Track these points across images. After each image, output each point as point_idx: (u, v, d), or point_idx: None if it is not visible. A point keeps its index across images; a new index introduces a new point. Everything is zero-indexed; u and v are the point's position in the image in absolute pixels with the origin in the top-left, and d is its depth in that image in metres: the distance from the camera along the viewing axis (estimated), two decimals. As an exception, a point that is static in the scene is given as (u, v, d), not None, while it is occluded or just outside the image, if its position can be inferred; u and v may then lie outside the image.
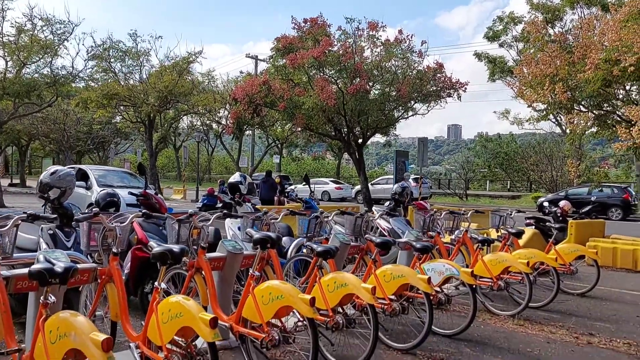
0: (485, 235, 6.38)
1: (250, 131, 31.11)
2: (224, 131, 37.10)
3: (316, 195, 15.57)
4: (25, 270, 3.25)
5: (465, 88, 17.78)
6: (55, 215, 3.99)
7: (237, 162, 32.73)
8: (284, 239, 6.07)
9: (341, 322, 3.84)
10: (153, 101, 20.24)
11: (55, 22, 15.91)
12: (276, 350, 3.81)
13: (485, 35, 31.44)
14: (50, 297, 2.72)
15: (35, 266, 2.67)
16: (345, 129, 18.49)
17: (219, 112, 34.90)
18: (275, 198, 15.98)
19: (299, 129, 20.74)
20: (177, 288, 4.22)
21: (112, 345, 2.43)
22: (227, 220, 5.93)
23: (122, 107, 23.52)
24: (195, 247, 4.20)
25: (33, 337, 2.80)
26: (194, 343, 3.15)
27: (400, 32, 17.81)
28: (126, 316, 3.43)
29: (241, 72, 33.83)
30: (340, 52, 17.12)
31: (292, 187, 23.62)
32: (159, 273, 3.25)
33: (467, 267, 5.73)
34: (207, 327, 2.82)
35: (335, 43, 17.55)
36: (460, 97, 17.97)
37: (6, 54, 16.00)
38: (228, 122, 25.68)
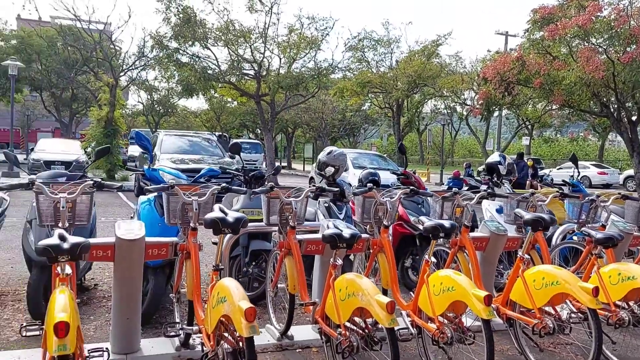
0: None
1: (498, 112, 29.55)
2: (469, 113, 36.08)
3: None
4: (314, 235, 3.74)
5: None
6: (338, 189, 4.44)
7: (483, 145, 31.58)
8: (546, 225, 5.63)
9: (627, 318, 3.39)
10: (402, 86, 20.95)
11: (319, 20, 17.83)
12: (548, 338, 3.57)
13: None
14: (339, 260, 3.06)
15: (328, 231, 3.03)
16: (615, 105, 16.06)
17: (464, 94, 34.07)
18: (528, 182, 14.93)
19: (556, 106, 18.82)
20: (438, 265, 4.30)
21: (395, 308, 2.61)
22: (485, 201, 5.77)
23: (371, 94, 24.96)
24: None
25: (323, 293, 3.19)
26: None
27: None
28: (396, 285, 3.65)
29: (488, 51, 32.33)
30: (612, 16, 14.85)
31: (546, 170, 21.67)
32: (429, 247, 3.35)
33: None
34: (481, 304, 2.81)
35: (605, 7, 15.28)
36: None
37: (280, 52, 18.57)
38: (475, 103, 24.92)
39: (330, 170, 5.11)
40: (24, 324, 2.63)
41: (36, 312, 3.59)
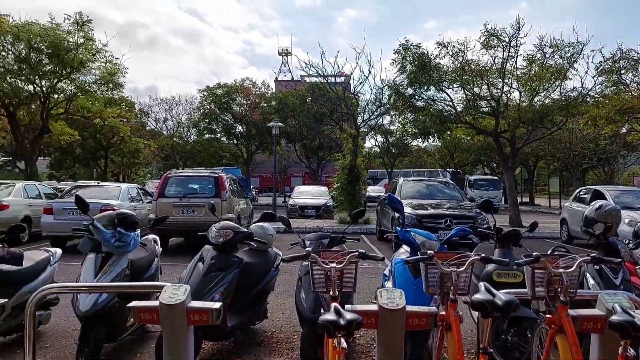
0: None
1: None
2: None
3: None
4: (592, 312, 3.27)
5: None
6: (619, 261, 3.85)
7: None
8: None
9: None
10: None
11: (564, 46, 16.29)
12: None
13: None
14: (630, 350, 2.60)
15: (618, 318, 2.61)
16: None
17: None
18: None
19: None
20: None
21: None
22: None
23: (633, 120, 21.54)
24: None
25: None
26: None
27: None
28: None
29: None
30: None
31: None
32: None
33: None
34: None
35: None
36: None
37: (520, 85, 17.54)
38: None
39: (600, 227, 4.48)
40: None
41: (308, 365, 3.93)
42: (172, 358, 3.10)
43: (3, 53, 19.60)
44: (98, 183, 14.78)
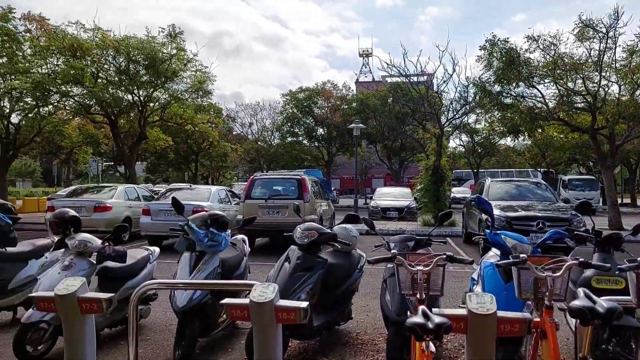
0: None
1: None
2: None
3: None
4: None
5: None
6: None
7: None
8: None
9: None
10: None
11: (669, 34, 14.95)
12: None
13: None
14: None
15: None
16: None
17: None
18: None
19: None
20: None
21: None
22: None
23: None
24: None
25: None
26: None
27: None
28: None
29: None
30: None
31: None
32: None
33: None
34: None
35: None
36: None
37: (619, 79, 16.28)
38: None
39: None
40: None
41: (394, 369, 3.90)
42: (261, 354, 3.21)
43: (106, 66, 21.30)
44: (190, 185, 15.62)
